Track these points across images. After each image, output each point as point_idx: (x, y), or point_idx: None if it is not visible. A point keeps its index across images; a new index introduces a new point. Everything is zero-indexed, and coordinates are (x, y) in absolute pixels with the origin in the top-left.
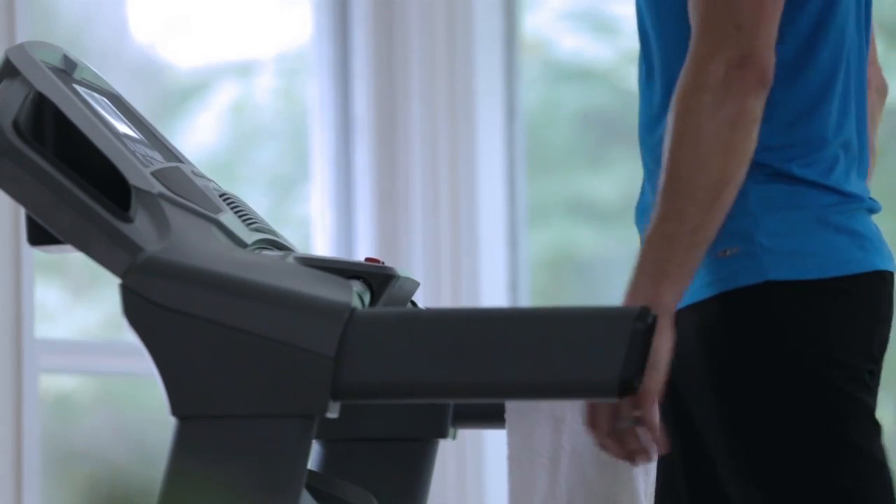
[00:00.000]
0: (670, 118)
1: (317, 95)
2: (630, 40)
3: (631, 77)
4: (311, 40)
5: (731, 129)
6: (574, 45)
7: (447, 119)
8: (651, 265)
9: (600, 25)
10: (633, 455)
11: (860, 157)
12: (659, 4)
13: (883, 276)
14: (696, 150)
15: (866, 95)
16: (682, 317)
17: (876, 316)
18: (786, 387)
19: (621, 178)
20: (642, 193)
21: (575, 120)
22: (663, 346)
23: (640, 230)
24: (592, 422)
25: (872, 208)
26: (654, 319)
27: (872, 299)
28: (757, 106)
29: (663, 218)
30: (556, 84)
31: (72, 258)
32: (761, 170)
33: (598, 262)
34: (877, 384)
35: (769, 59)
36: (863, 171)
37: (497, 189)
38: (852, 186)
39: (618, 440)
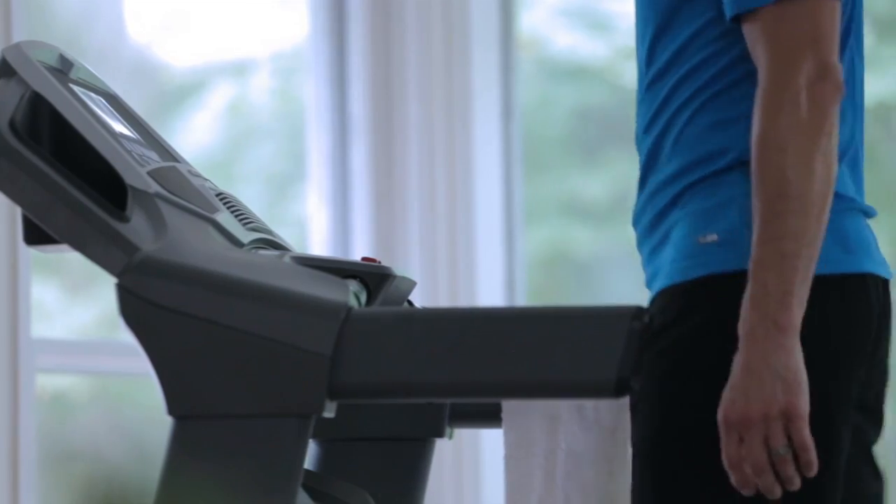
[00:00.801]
0: (759, 139)
1: (313, 95)
2: (625, 37)
3: (626, 74)
4: (308, 39)
5: (825, 139)
6: (569, 42)
7: (443, 118)
8: (774, 286)
9: (595, 23)
10: (787, 482)
11: (856, 159)
12: (663, 10)
13: (865, 280)
14: (799, 165)
15: (863, 99)
16: (654, 301)
17: (856, 318)
18: None
19: (616, 176)
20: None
21: (571, 117)
22: (801, 364)
23: (637, 231)
24: (739, 459)
25: (867, 212)
26: (651, 319)
27: (853, 301)
28: (837, 114)
29: (776, 237)
30: (552, 82)
31: (68, 258)
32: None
33: (593, 261)
34: (868, 390)
35: (840, 69)
36: (858, 175)
37: (493, 188)
38: (844, 187)
39: (769, 470)
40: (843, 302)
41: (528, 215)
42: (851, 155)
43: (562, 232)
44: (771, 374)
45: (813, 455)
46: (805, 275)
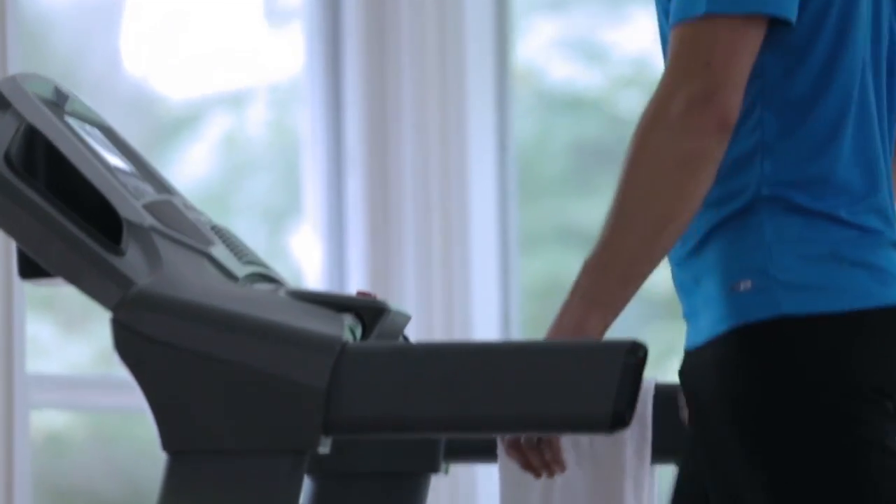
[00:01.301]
0: (628, 146)
1: (309, 126)
2: (621, 68)
3: (622, 104)
4: (304, 71)
5: (683, 168)
6: (565, 73)
7: (439, 149)
8: (583, 291)
9: (591, 53)
10: (534, 469)
11: (884, 188)
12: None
13: None
14: (645, 184)
15: (894, 124)
16: (700, 354)
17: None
18: (805, 420)
19: (596, 197)
20: None
21: (567, 149)
22: None
23: (672, 257)
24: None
25: None
26: (646, 353)
27: (892, 333)
28: (716, 147)
29: (602, 246)
30: (548, 113)
31: (63, 292)
32: (777, 203)
33: None
34: None
35: (734, 100)
36: (886, 210)
37: (489, 219)
38: (873, 221)
39: (520, 453)
40: (884, 334)
41: (523, 246)
42: (879, 183)
43: (557, 262)
44: None
45: (557, 454)
46: (618, 290)
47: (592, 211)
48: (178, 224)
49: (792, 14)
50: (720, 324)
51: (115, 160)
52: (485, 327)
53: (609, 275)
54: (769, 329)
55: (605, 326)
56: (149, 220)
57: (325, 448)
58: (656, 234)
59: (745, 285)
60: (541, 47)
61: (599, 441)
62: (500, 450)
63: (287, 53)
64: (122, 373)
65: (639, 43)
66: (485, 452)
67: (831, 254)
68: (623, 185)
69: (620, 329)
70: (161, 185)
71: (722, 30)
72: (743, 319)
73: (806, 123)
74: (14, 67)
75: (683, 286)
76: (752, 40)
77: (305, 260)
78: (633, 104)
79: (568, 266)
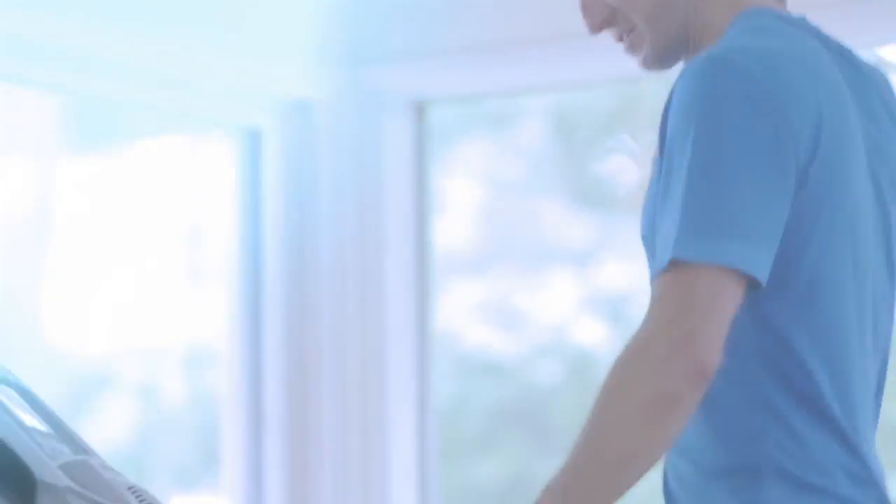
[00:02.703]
0: (605, 379)
1: (228, 386)
2: (538, 334)
3: (539, 371)
4: (225, 331)
5: (655, 408)
6: (483, 338)
7: (359, 412)
8: None
9: (509, 319)
10: None
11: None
12: None
13: None
14: (614, 419)
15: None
16: None
17: None
18: None
19: (512, 462)
20: None
21: (485, 415)
22: None
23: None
24: None
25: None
26: None
27: None
28: (690, 396)
29: (565, 471)
30: (467, 377)
31: None
32: (790, 480)
33: None
34: None
35: (714, 353)
36: (861, 466)
37: (409, 481)
38: (836, 485)
39: None
40: None
41: None
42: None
43: None
44: None
45: None
46: None
47: (501, 470)
48: (94, 485)
49: (763, 275)
50: None
51: (32, 421)
52: None
53: (571, 500)
54: None
55: None
56: (65, 481)
57: None
58: (620, 470)
59: None
60: (459, 311)
61: None
62: None
63: (208, 314)
64: None
65: (556, 310)
66: None
67: None
68: (593, 417)
69: None
70: (78, 446)
71: (700, 273)
72: None
73: None
74: None
75: None
76: (728, 282)
77: None
78: (550, 371)
79: None
